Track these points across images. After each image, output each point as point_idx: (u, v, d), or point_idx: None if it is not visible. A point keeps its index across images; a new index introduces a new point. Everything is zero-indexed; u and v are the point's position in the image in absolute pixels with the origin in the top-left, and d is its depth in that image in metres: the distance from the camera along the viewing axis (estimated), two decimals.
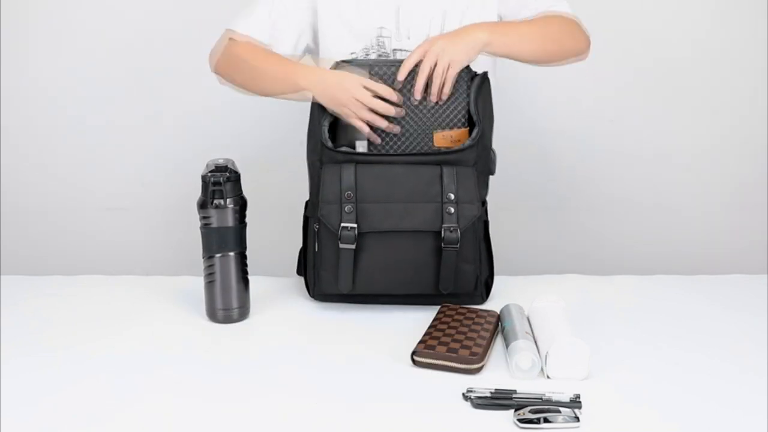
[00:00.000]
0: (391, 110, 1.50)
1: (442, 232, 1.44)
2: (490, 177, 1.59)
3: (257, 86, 1.62)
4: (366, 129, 1.51)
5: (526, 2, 1.66)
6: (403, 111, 1.51)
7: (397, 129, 1.51)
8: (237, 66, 1.63)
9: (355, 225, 1.43)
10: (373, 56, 1.63)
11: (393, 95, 1.50)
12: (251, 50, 1.61)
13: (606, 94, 2.37)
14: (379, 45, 1.63)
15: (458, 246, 1.44)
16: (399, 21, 1.63)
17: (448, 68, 1.49)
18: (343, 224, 1.43)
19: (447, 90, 1.50)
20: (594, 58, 2.35)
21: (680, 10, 2.34)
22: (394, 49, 1.64)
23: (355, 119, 1.50)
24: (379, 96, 1.49)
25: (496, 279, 1.60)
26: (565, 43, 1.66)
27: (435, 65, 1.49)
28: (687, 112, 2.39)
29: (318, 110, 1.52)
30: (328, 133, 1.50)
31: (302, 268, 1.62)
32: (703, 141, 2.41)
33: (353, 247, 1.44)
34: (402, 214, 1.45)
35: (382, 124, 1.50)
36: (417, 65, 1.50)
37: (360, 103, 1.48)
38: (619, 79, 2.36)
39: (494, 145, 1.58)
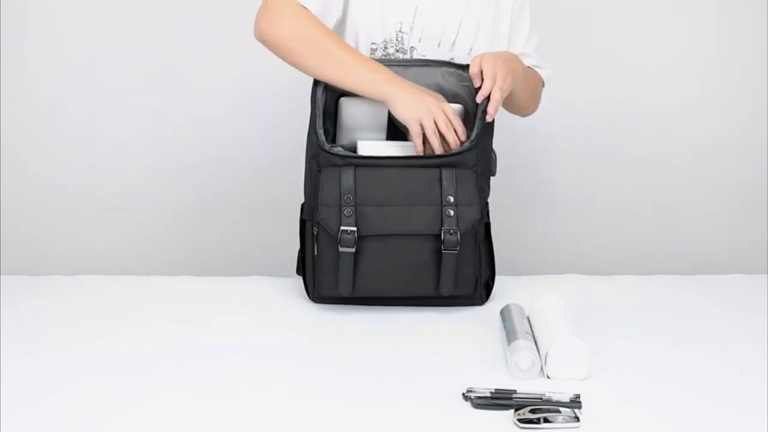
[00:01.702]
0: (455, 145, 1.49)
1: (442, 235, 1.44)
2: (491, 178, 1.59)
3: (331, 74, 1.51)
4: (420, 149, 1.49)
5: (529, 42, 1.73)
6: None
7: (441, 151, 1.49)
8: (311, 45, 1.52)
9: (355, 228, 1.43)
10: (391, 50, 1.63)
11: (463, 134, 1.49)
12: (328, 33, 1.54)
13: (606, 94, 2.37)
14: (398, 40, 1.63)
15: (458, 249, 1.44)
16: (414, 22, 1.63)
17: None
18: (342, 228, 1.43)
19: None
20: (595, 58, 2.36)
21: (680, 10, 2.35)
22: (412, 47, 1.64)
23: (418, 137, 1.47)
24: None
25: (497, 279, 1.60)
26: (534, 100, 1.76)
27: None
28: (687, 112, 2.40)
29: (316, 114, 1.52)
30: (324, 134, 1.50)
31: (302, 269, 1.61)
32: (703, 141, 2.41)
33: (353, 250, 1.43)
34: (401, 217, 1.44)
35: (438, 150, 1.48)
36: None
37: (433, 124, 1.47)
38: (619, 79, 2.36)
39: (495, 146, 1.58)
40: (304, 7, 1.53)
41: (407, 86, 1.50)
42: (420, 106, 1.47)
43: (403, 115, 1.48)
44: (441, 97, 1.52)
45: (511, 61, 1.57)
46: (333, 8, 1.59)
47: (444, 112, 1.48)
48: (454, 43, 1.65)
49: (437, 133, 1.47)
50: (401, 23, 1.63)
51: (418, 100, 1.48)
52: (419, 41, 1.64)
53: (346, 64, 1.51)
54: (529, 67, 1.71)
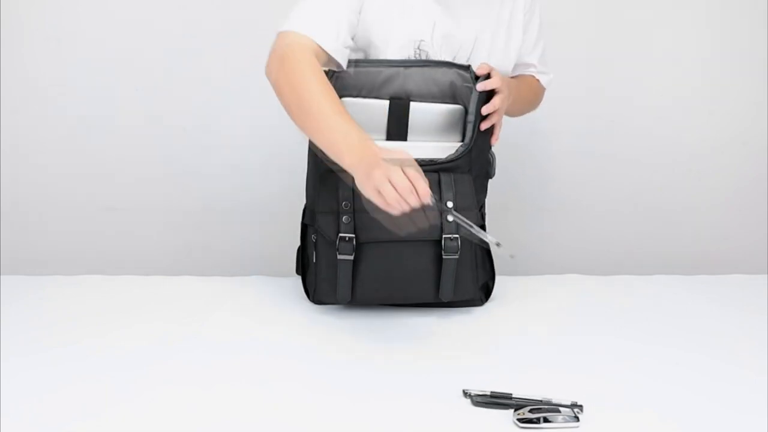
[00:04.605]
0: (417, 203, 1.27)
1: (443, 241, 1.43)
2: (490, 179, 1.59)
3: (308, 132, 1.40)
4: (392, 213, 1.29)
5: (534, 50, 1.73)
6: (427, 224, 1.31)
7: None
8: (295, 98, 1.40)
9: (353, 235, 1.42)
10: None
11: (427, 197, 1.27)
12: (317, 87, 1.39)
13: (606, 94, 2.37)
14: (416, 57, 1.59)
15: (458, 254, 1.43)
16: (433, 36, 1.59)
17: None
18: (341, 235, 1.42)
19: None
20: (594, 58, 2.36)
21: (680, 10, 2.35)
22: None
23: (387, 207, 1.27)
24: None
25: (497, 279, 1.60)
26: (531, 106, 1.80)
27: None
28: (687, 113, 2.39)
29: None
30: None
31: (301, 268, 1.61)
32: (703, 141, 2.41)
33: (351, 257, 1.42)
34: None
35: (399, 232, 1.32)
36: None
37: (393, 191, 1.25)
38: (620, 80, 2.36)
39: (493, 147, 1.58)
40: (311, 49, 1.42)
41: (368, 159, 1.29)
42: (369, 181, 1.27)
43: (363, 191, 1.30)
44: (409, 158, 1.30)
45: (512, 87, 1.59)
46: (346, 36, 1.49)
47: (404, 172, 1.27)
48: (468, 58, 1.62)
49: (401, 200, 1.26)
50: (421, 40, 1.56)
51: (369, 171, 1.28)
52: (440, 57, 1.60)
53: (321, 127, 1.37)
54: (531, 75, 1.71)
